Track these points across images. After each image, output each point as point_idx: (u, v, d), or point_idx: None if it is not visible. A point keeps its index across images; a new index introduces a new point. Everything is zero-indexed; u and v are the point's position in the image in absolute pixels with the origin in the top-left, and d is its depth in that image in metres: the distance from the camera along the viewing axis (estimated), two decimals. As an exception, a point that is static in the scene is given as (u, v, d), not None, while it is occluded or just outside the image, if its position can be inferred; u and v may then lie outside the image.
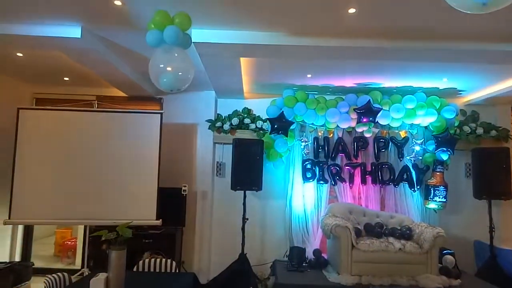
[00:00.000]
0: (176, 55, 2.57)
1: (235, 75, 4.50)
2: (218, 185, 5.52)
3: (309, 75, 4.74)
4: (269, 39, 3.42)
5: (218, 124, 5.46)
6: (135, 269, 3.25)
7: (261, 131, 5.40)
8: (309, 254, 4.88)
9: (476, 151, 5.06)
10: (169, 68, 2.54)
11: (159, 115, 4.85)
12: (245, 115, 5.54)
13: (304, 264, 4.67)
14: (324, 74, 4.70)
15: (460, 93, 5.30)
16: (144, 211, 4.61)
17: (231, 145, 4.92)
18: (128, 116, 4.85)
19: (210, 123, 5.49)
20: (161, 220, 4.64)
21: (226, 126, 5.42)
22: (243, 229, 4.83)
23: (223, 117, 5.55)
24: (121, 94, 5.58)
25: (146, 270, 3.27)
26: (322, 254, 4.83)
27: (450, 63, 4.02)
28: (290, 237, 5.22)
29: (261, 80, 5.03)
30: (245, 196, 4.89)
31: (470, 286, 4.19)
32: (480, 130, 5.35)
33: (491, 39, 3.44)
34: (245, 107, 5.63)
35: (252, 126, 5.44)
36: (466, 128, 5.34)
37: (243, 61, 4.19)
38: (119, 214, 4.48)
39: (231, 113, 5.56)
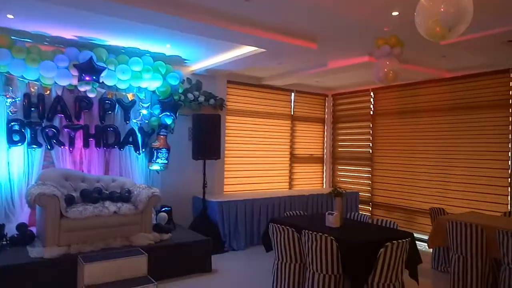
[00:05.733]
0: None
1: None
2: None
3: (10, 16, 3.85)
4: None
5: None
6: None
7: None
8: (14, 229, 4.18)
9: (195, 117, 5.57)
10: None
11: None
12: None
13: (3, 243, 3.96)
14: (33, 18, 3.93)
15: (186, 62, 5.66)
16: None
17: None
18: None
19: None
20: None
21: None
22: None
23: None
24: None
25: None
26: (30, 228, 4.23)
27: (171, 30, 4.10)
28: (-11, 213, 4.32)
29: None
30: None
31: (179, 237, 4.65)
32: (201, 98, 5.92)
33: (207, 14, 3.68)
34: None
35: None
36: (190, 96, 5.79)
37: None
38: None
39: None
